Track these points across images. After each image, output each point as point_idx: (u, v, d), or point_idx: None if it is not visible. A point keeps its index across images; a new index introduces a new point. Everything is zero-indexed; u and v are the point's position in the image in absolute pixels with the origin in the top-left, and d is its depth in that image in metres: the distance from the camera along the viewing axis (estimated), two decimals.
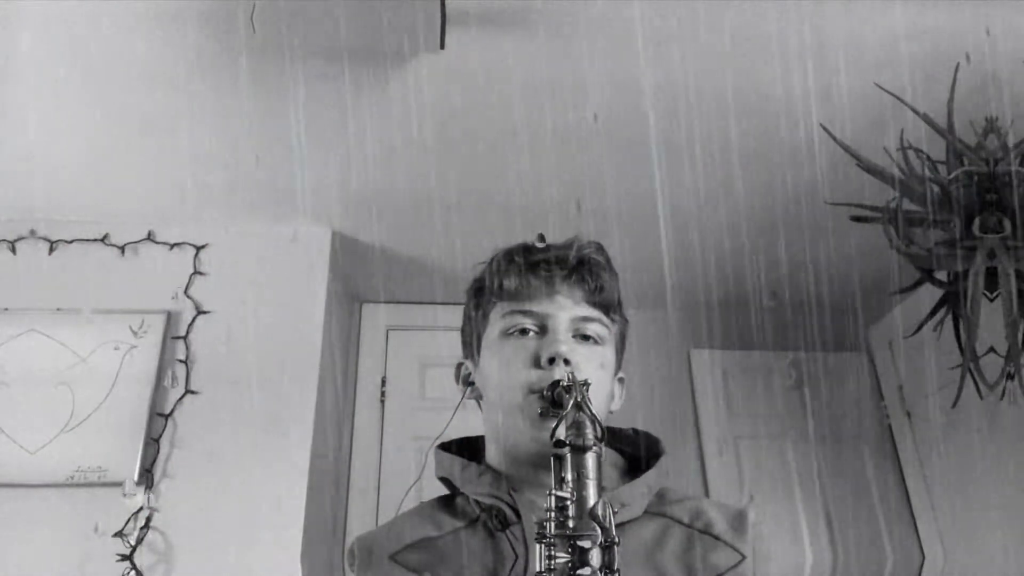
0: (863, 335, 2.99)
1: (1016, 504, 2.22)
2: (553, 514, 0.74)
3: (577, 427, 0.76)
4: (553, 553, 0.72)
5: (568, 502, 0.74)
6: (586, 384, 0.81)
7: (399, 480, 2.68)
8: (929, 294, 1.87)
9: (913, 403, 2.76)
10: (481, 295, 1.00)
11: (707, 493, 2.75)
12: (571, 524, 0.73)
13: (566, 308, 0.94)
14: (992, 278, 1.68)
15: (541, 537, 0.73)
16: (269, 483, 2.17)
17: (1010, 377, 1.69)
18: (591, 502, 0.73)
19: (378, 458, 2.76)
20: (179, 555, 2.08)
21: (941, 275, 1.80)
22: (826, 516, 2.75)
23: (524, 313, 0.94)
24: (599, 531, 0.72)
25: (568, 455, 0.76)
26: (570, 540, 0.72)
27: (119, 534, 2.05)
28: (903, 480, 2.77)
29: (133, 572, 2.01)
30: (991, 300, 1.69)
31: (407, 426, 2.79)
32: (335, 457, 2.67)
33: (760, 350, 2.93)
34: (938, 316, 1.83)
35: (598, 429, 0.77)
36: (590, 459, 0.75)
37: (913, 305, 2.20)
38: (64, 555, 2.03)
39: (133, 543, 2.05)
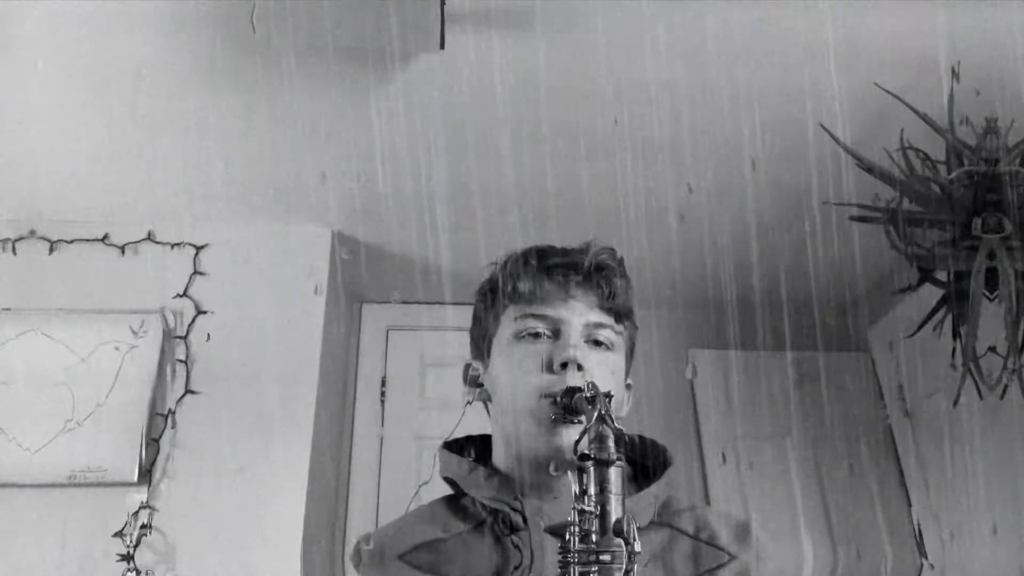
0: (863, 335, 2.99)
1: (1016, 504, 2.22)
2: (576, 528, 0.73)
3: (600, 440, 0.75)
4: (577, 569, 0.72)
5: (591, 516, 0.73)
6: (609, 396, 0.80)
7: (399, 480, 2.68)
8: (929, 294, 1.86)
9: (913, 403, 2.75)
10: (493, 296, 0.99)
11: (707, 493, 2.75)
12: (594, 539, 0.72)
13: (580, 313, 0.93)
14: (992, 278, 1.68)
15: (565, 551, 0.73)
16: (269, 483, 2.18)
17: (1011, 377, 1.69)
18: (615, 517, 0.72)
19: (378, 458, 2.76)
20: (179, 555, 2.08)
21: (941, 275, 1.80)
22: (826, 516, 2.75)
23: (537, 317, 0.93)
24: (624, 546, 0.71)
25: (591, 468, 0.75)
26: (594, 555, 0.72)
27: (119, 534, 2.06)
28: (903, 480, 2.76)
29: (133, 572, 2.01)
30: (991, 300, 1.69)
31: (407, 426, 2.79)
32: (335, 457, 2.67)
33: (760, 350, 2.92)
34: (938, 316, 1.83)
35: (621, 442, 0.76)
36: (614, 473, 0.74)
37: (913, 305, 2.20)
38: (64, 555, 2.03)
39: (133, 543, 2.05)
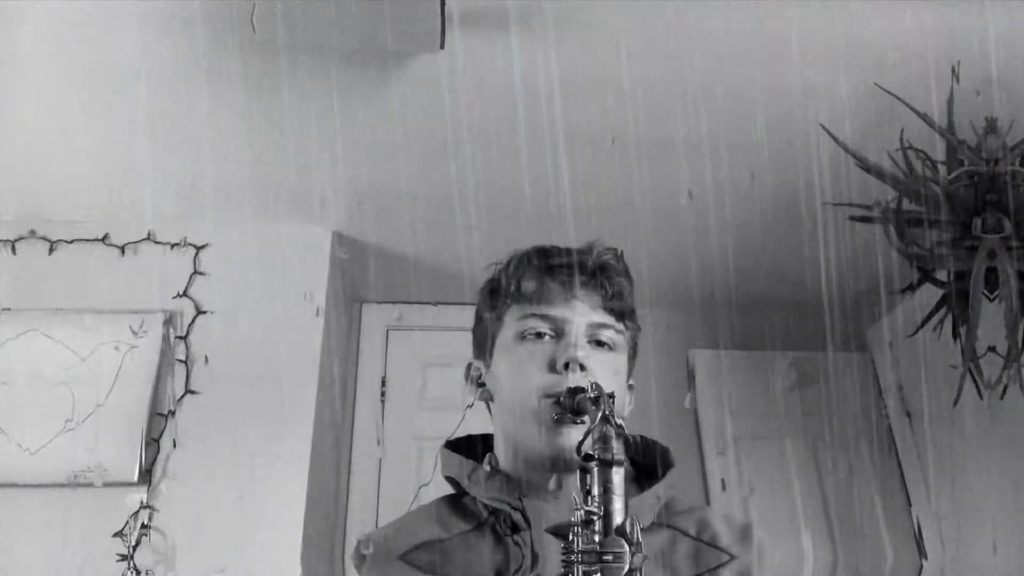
0: (863, 335, 2.99)
1: (1016, 503, 2.22)
2: (580, 529, 0.72)
3: (604, 440, 0.75)
4: (581, 569, 0.71)
5: (595, 517, 0.72)
6: (612, 396, 0.79)
7: (399, 480, 2.68)
8: (929, 294, 1.87)
9: (913, 403, 2.75)
10: (496, 296, 0.99)
11: (707, 493, 2.75)
12: (597, 540, 0.72)
13: (583, 313, 0.93)
14: (992, 278, 1.68)
15: (568, 552, 0.72)
16: (269, 483, 2.17)
17: (1011, 377, 1.69)
18: (619, 518, 0.72)
19: (378, 458, 2.76)
20: (179, 555, 2.08)
21: (941, 275, 1.80)
22: (826, 516, 2.75)
23: (541, 317, 0.93)
24: (627, 548, 0.71)
25: (595, 469, 0.74)
26: (598, 556, 0.71)
27: (119, 534, 2.06)
28: (903, 480, 2.76)
29: (133, 572, 2.01)
30: (991, 300, 1.69)
31: (407, 426, 2.79)
32: (335, 457, 2.67)
33: (760, 350, 2.92)
34: (938, 316, 1.83)
35: (625, 443, 0.75)
36: (617, 474, 0.73)
37: (913, 305, 2.20)
38: (64, 555, 2.03)
39: (133, 543, 2.05)
